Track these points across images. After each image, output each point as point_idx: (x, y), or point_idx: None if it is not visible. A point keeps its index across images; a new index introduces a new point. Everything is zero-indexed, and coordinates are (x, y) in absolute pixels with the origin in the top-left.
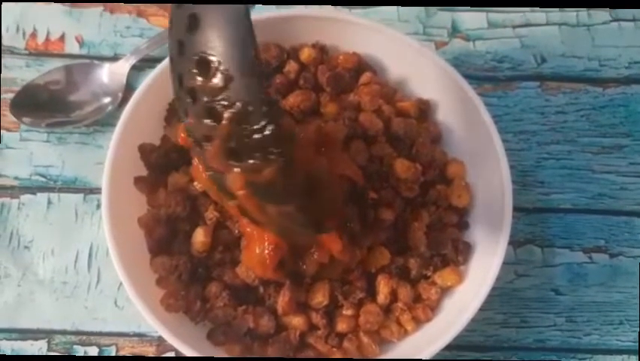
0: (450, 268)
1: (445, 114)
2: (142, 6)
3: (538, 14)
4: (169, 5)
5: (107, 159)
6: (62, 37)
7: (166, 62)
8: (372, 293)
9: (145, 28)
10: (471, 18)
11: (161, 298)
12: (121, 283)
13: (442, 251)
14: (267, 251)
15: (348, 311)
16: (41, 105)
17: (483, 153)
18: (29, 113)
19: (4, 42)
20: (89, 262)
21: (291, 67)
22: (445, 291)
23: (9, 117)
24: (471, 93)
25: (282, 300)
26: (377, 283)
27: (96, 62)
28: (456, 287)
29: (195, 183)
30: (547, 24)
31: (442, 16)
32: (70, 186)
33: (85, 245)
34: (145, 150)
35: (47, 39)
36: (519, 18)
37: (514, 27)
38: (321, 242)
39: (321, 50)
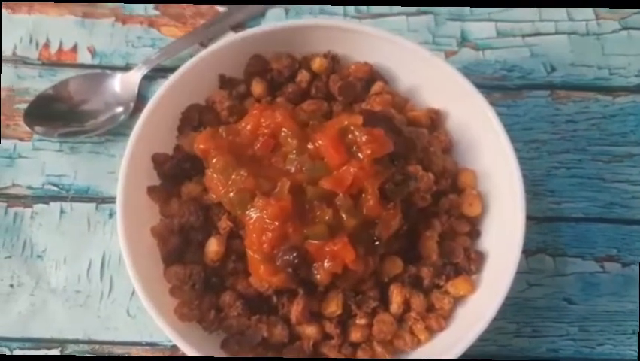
0: (462, 277)
1: (456, 124)
2: (153, 16)
3: (547, 23)
4: (181, 16)
5: (121, 169)
6: (75, 48)
7: (178, 72)
8: (385, 303)
9: (156, 39)
10: (480, 27)
11: (174, 307)
12: (133, 292)
13: (455, 260)
14: (268, 234)
15: (361, 321)
16: (54, 115)
17: (495, 163)
18: (42, 123)
19: (18, 53)
20: (101, 271)
21: (303, 76)
22: (457, 300)
23: (22, 127)
24: (482, 103)
25: (296, 309)
26: (390, 293)
27: (108, 71)
28: (469, 296)
29: (210, 195)
30: (556, 33)
31: (451, 25)
32: (82, 196)
33: (97, 254)
34: (158, 160)
35: (60, 49)
36: (528, 27)
37: (523, 36)
38: (335, 252)
39: (333, 59)
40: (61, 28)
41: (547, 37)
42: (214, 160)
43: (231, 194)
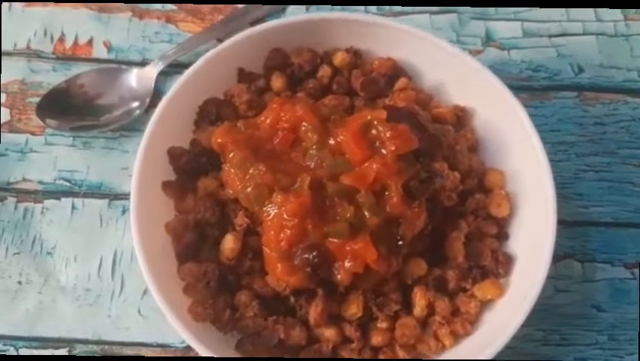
0: (490, 281)
1: (483, 122)
2: (171, 12)
3: (574, 24)
4: (198, 12)
5: (135, 163)
6: (90, 42)
7: (195, 66)
8: (407, 306)
9: (174, 34)
10: (505, 27)
11: (188, 306)
12: (145, 292)
13: (482, 263)
14: (286, 231)
15: (383, 324)
16: (68, 108)
17: (524, 163)
18: (55, 117)
19: (32, 46)
20: (112, 269)
21: (325, 71)
22: (484, 304)
23: (34, 121)
24: (513, 102)
25: (315, 310)
26: (413, 296)
27: (124, 66)
28: (496, 301)
29: (227, 190)
30: (584, 34)
31: (476, 24)
32: (95, 192)
33: (109, 252)
34: (174, 154)
35: (75, 43)
36: (555, 27)
37: (550, 36)
38: (356, 251)
39: (355, 54)
40: (77, 22)
41: (574, 38)
42: (231, 154)
43: (249, 189)
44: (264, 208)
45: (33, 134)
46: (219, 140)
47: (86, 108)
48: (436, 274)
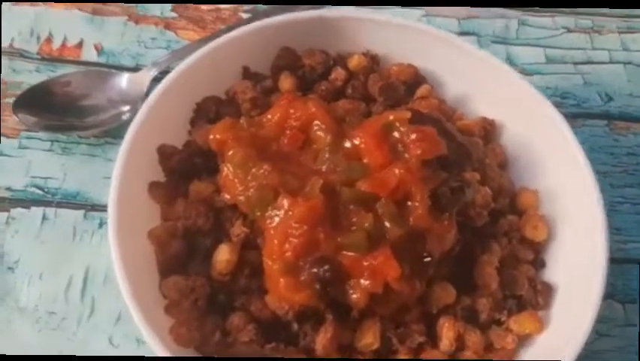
0: (528, 313)
1: (513, 138)
2: (170, 18)
3: (600, 52)
4: (200, 20)
5: (117, 160)
6: (80, 44)
7: (192, 59)
8: (432, 338)
9: (172, 41)
10: (526, 52)
11: (170, 326)
12: (119, 318)
13: (518, 292)
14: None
15: (404, 358)
16: (48, 107)
17: (562, 183)
18: (34, 114)
19: (15, 45)
20: (82, 290)
21: (338, 74)
22: (522, 339)
23: (8, 123)
24: (553, 113)
25: (323, 338)
26: (439, 327)
27: (114, 71)
28: (535, 336)
29: (223, 195)
30: (610, 62)
31: (496, 48)
32: (70, 201)
33: (80, 269)
34: (165, 153)
35: (63, 45)
36: (580, 55)
37: (575, 64)
38: (375, 267)
39: (372, 59)
40: (67, 23)
41: (600, 66)
42: (231, 152)
43: (250, 191)
44: (267, 214)
45: (7, 136)
46: (218, 136)
47: (68, 108)
48: (466, 303)
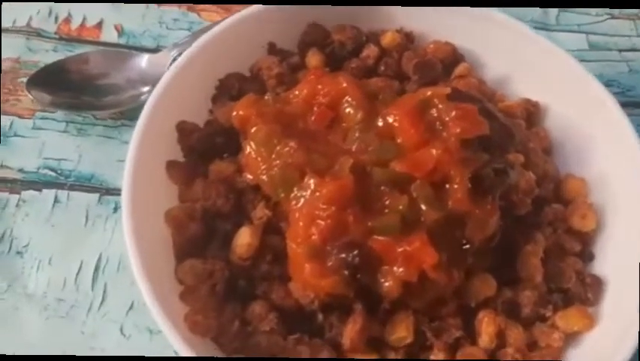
0: (576, 308)
1: (558, 121)
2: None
3: None
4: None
5: (133, 138)
6: (99, 25)
7: (213, 31)
8: (470, 333)
9: (195, 22)
10: (569, 38)
11: (185, 313)
12: (131, 307)
13: (564, 285)
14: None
15: (439, 355)
16: (65, 84)
17: (613, 170)
18: (49, 92)
19: (33, 24)
20: (94, 277)
21: (371, 51)
22: (570, 337)
23: (23, 103)
24: (604, 95)
25: (351, 330)
26: (478, 321)
27: (134, 51)
28: (584, 334)
29: (245, 175)
30: None
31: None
32: (84, 184)
33: (92, 255)
34: (184, 130)
35: (82, 25)
36: (624, 42)
37: (620, 50)
38: (410, 253)
39: (407, 36)
40: (87, 3)
41: None
42: (254, 129)
43: (274, 171)
44: (292, 195)
45: (20, 116)
46: (241, 112)
47: (85, 86)
48: (507, 296)
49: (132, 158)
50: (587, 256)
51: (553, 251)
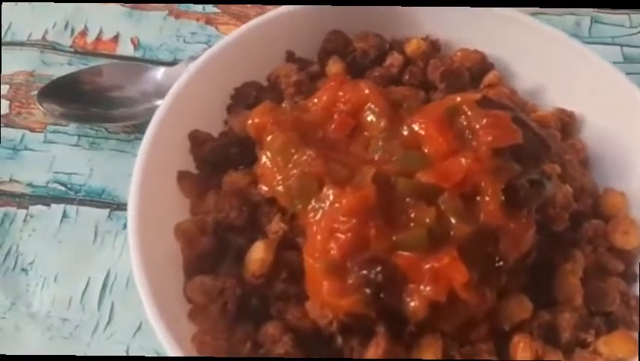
0: (620, 333)
1: (594, 133)
2: (212, 14)
3: None
4: (244, 16)
5: (141, 146)
6: (116, 38)
7: (228, 38)
8: (505, 359)
9: (213, 36)
10: (603, 51)
11: (193, 334)
12: (139, 328)
13: (607, 308)
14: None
15: None
16: (77, 97)
17: None
18: (60, 104)
19: (48, 38)
20: (101, 296)
21: (394, 59)
22: None
23: (35, 116)
24: None
25: (373, 354)
26: (513, 346)
27: (150, 65)
28: None
29: (260, 187)
30: None
31: None
32: (94, 199)
33: (100, 273)
34: (197, 140)
35: (98, 38)
36: None
37: None
38: (438, 270)
39: (432, 44)
40: (104, 16)
41: None
42: (270, 137)
43: (291, 181)
44: (310, 207)
45: (32, 130)
46: (257, 120)
47: (98, 98)
48: (545, 320)
49: (140, 169)
50: (630, 276)
51: (594, 271)
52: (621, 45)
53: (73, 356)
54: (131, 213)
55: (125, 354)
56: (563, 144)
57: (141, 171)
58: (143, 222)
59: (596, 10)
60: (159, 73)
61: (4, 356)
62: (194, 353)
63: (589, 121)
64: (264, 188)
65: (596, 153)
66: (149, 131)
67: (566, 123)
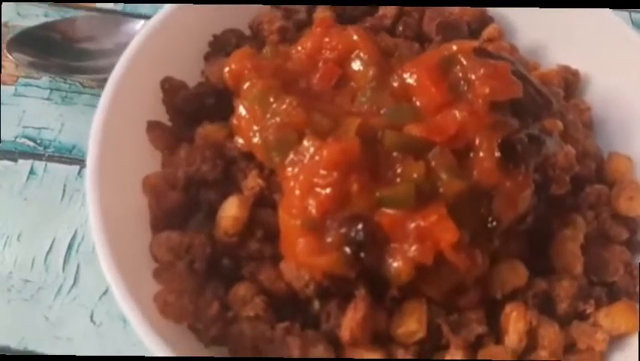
0: (622, 305)
1: (599, 94)
2: None
3: None
4: None
5: (105, 90)
6: None
7: None
8: (495, 330)
9: None
10: None
11: (155, 293)
12: (105, 292)
13: (609, 278)
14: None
15: (456, 355)
16: (49, 47)
17: None
18: (31, 55)
19: None
20: (66, 256)
21: (387, 10)
22: (615, 339)
23: (7, 69)
24: None
25: (351, 320)
26: (505, 316)
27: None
28: (632, 335)
29: (236, 139)
30: None
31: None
32: (64, 155)
33: (66, 232)
34: (170, 87)
35: None
36: None
37: None
38: (425, 229)
39: None
40: None
41: None
42: (248, 84)
43: (269, 132)
44: (288, 159)
45: (4, 83)
46: (233, 66)
47: (71, 49)
48: (541, 288)
49: (102, 119)
50: (634, 244)
51: (596, 238)
52: (629, 10)
53: (74, 356)
54: (89, 165)
55: (89, 319)
56: (565, 103)
57: (103, 120)
58: (105, 174)
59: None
60: (138, 25)
61: (3, 356)
62: (155, 315)
63: (594, 81)
64: (240, 141)
65: (600, 116)
66: (113, 76)
67: (570, 82)
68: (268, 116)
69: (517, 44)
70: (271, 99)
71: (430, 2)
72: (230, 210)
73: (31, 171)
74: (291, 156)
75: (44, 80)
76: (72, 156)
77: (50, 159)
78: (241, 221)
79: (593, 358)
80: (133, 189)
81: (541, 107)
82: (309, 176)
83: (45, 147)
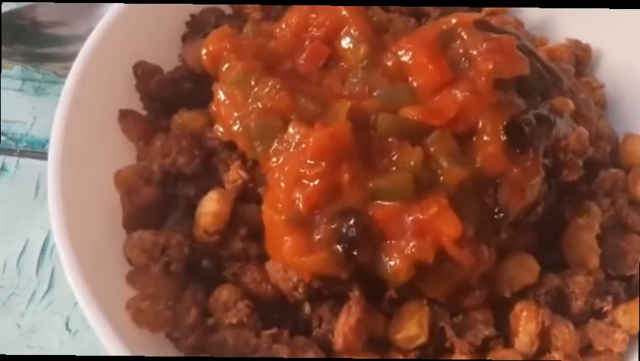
0: None
1: (614, 71)
2: None
3: None
4: None
5: (67, 80)
6: None
7: None
8: (504, 332)
9: None
10: None
11: (128, 300)
12: None
13: (627, 271)
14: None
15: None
16: (18, 34)
17: None
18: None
19: None
20: (39, 259)
21: None
22: (634, 339)
23: None
24: None
25: (345, 325)
26: (514, 316)
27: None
28: None
29: (216, 128)
30: None
31: None
32: (36, 150)
33: (40, 233)
34: (143, 72)
35: None
36: None
37: None
38: (424, 223)
39: None
40: None
41: None
42: (227, 66)
43: (250, 118)
44: (272, 149)
45: None
46: (212, 47)
47: (46, 36)
48: (553, 285)
49: (65, 110)
50: None
51: (612, 228)
52: None
53: (73, 356)
54: (51, 161)
55: (64, 326)
56: (576, 81)
57: (66, 111)
58: (70, 171)
59: None
60: (112, 8)
61: (3, 356)
62: (128, 323)
63: (606, 57)
64: (220, 129)
65: (613, 94)
66: (78, 61)
67: (581, 59)
68: (249, 101)
69: (522, 18)
70: (252, 82)
71: (430, 2)
72: (211, 206)
73: (2, 167)
74: (275, 144)
75: (16, 69)
76: (45, 151)
77: (22, 154)
78: (222, 218)
79: (613, 358)
80: (104, 185)
81: (550, 84)
82: (295, 166)
83: (17, 142)
